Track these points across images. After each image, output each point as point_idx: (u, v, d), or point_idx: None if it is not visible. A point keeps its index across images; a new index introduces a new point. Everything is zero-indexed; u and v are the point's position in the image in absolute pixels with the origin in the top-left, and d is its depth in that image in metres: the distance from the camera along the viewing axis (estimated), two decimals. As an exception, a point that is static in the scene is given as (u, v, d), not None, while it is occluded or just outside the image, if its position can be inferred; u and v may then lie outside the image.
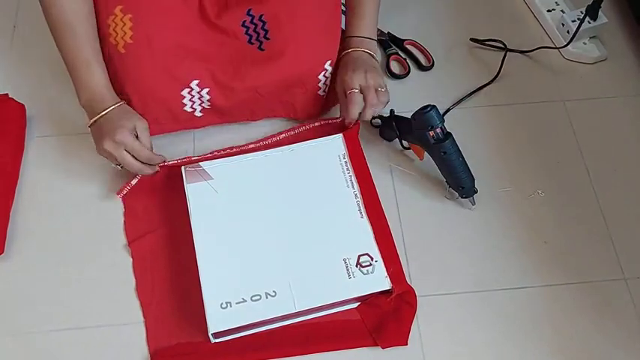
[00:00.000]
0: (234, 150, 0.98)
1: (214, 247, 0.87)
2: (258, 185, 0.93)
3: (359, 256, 0.87)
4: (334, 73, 0.98)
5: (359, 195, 0.92)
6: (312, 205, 0.91)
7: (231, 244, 0.88)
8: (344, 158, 0.96)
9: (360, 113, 0.94)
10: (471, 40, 1.12)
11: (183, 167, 0.93)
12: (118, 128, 0.86)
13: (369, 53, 0.98)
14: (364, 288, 0.86)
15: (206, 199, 0.91)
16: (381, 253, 0.88)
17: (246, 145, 0.99)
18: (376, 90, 0.93)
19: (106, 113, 0.88)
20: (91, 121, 0.89)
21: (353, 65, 0.95)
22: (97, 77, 0.90)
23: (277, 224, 0.90)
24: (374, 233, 0.89)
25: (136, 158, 0.88)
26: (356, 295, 0.86)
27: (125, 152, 0.87)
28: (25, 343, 0.84)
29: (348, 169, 0.94)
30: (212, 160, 0.94)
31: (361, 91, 0.93)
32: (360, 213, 0.91)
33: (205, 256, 0.86)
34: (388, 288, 0.86)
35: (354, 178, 0.94)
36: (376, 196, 0.94)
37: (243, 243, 0.88)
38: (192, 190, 0.91)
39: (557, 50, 1.12)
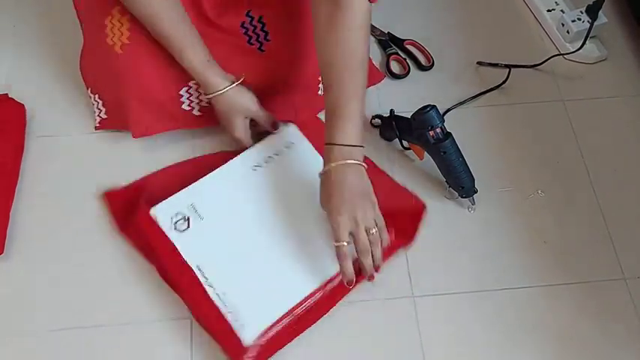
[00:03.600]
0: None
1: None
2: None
3: None
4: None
5: None
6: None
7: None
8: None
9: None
10: (477, 63, 1.11)
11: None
12: (229, 126, 0.93)
13: (360, 164, 0.81)
14: None
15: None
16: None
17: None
18: (367, 231, 0.80)
19: (210, 100, 0.91)
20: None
21: (339, 195, 0.79)
22: (195, 62, 0.88)
23: (268, 228, 0.90)
24: None
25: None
26: None
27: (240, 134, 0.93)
28: (25, 343, 0.84)
29: None
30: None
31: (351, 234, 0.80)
32: None
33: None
34: None
35: None
36: None
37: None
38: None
39: (557, 50, 1.12)
